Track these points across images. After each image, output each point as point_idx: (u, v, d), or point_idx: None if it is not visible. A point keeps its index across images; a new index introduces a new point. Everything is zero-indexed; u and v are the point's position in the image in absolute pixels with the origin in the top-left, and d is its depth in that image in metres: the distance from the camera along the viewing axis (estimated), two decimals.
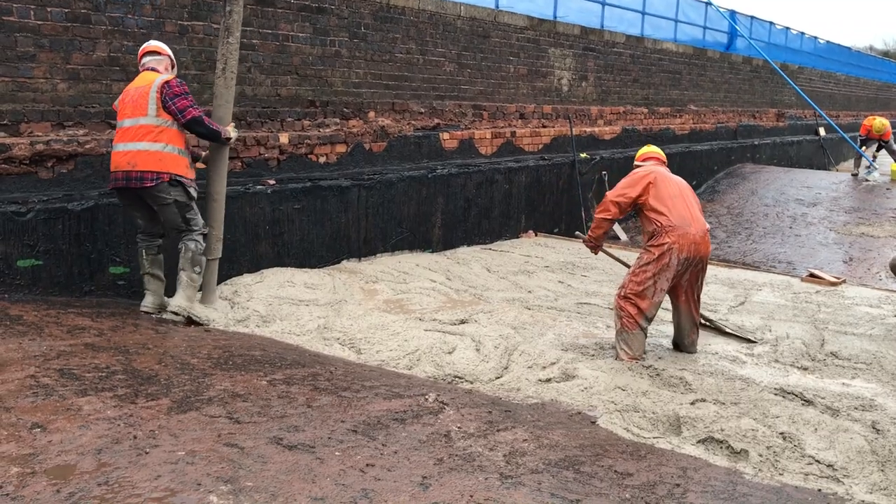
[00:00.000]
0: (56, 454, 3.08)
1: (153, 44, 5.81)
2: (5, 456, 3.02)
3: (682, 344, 5.92)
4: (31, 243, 5.62)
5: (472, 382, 5.01)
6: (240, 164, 7.12)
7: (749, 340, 6.30)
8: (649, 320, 5.56)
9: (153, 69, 5.66)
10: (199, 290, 5.95)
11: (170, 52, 5.85)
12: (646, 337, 5.62)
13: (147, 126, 5.42)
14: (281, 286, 6.79)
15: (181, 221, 5.65)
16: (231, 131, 5.89)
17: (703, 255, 5.63)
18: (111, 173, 5.53)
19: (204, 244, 5.79)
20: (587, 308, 7.13)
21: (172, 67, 5.82)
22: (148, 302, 5.78)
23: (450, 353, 5.40)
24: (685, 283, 5.71)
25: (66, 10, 5.89)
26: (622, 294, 5.57)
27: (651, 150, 6.34)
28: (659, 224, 5.52)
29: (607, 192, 5.83)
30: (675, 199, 5.63)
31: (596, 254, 6.28)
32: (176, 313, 5.65)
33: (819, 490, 3.62)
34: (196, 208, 5.73)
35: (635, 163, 6.27)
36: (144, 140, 5.42)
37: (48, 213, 5.69)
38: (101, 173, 5.99)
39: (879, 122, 16.48)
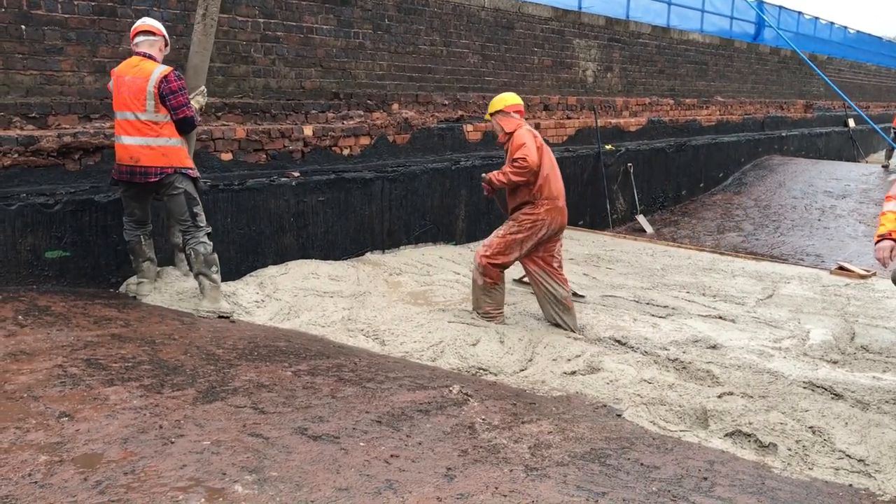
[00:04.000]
0: (83, 443, 3.10)
1: (147, 23, 5.61)
2: (34, 444, 3.05)
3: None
4: (59, 235, 5.67)
5: (496, 375, 4.99)
6: (264, 156, 7.14)
7: (576, 294, 6.75)
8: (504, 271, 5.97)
9: (147, 55, 5.49)
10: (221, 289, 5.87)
11: (164, 31, 5.66)
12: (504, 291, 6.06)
13: (147, 122, 5.38)
14: (305, 278, 6.80)
15: (188, 215, 5.57)
16: (196, 100, 5.76)
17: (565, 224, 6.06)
18: (116, 165, 5.52)
19: (211, 243, 5.69)
20: (612, 301, 7.08)
21: (165, 46, 5.67)
22: (145, 290, 5.82)
23: (473, 345, 5.38)
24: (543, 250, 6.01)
25: (93, 4, 5.92)
26: (488, 253, 5.83)
27: (517, 99, 6.03)
28: (540, 194, 5.80)
29: (522, 157, 5.65)
30: (553, 169, 5.90)
31: (490, 196, 6.24)
32: (206, 317, 5.60)
33: (850, 485, 3.56)
34: (201, 204, 5.68)
35: (508, 112, 5.95)
36: (147, 136, 5.39)
37: (75, 205, 5.73)
38: None
39: None
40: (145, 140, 5.40)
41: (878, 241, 4.98)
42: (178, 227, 5.74)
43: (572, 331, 5.92)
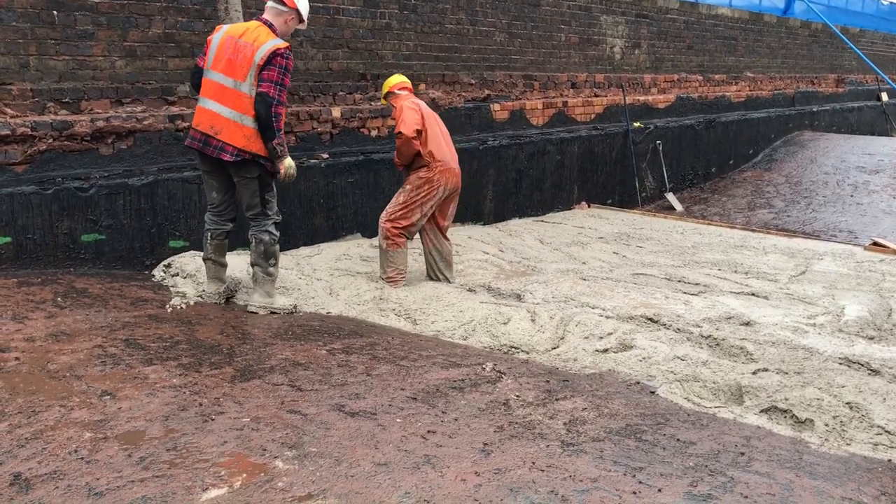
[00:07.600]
0: (126, 420, 3.16)
1: None
2: (78, 422, 3.11)
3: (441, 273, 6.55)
4: (94, 218, 5.75)
5: (527, 353, 5.00)
6: (294, 138, 7.16)
7: None
8: (411, 238, 6.32)
9: (269, 23, 4.97)
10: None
11: (301, 5, 5.04)
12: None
13: (242, 94, 4.84)
14: (338, 259, 6.85)
15: (259, 202, 5.06)
16: (286, 165, 5.00)
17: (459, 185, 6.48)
18: (191, 129, 5.03)
19: (277, 233, 5.19)
20: (643, 279, 7.04)
21: (298, 22, 5.11)
22: (211, 289, 5.32)
23: (505, 323, 5.38)
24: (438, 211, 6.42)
25: None
26: (390, 217, 6.16)
27: (402, 78, 6.48)
28: (432, 158, 6.17)
29: (397, 131, 6.09)
30: (442, 136, 6.34)
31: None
32: (255, 312, 5.15)
33: (889, 460, 3.53)
34: (275, 189, 5.18)
35: (394, 92, 6.37)
36: (237, 109, 4.85)
37: (109, 189, 5.81)
38: (159, 149, 6.09)
39: None
40: (235, 114, 4.86)
41: None
42: (245, 214, 5.20)
43: (449, 282, 6.49)
